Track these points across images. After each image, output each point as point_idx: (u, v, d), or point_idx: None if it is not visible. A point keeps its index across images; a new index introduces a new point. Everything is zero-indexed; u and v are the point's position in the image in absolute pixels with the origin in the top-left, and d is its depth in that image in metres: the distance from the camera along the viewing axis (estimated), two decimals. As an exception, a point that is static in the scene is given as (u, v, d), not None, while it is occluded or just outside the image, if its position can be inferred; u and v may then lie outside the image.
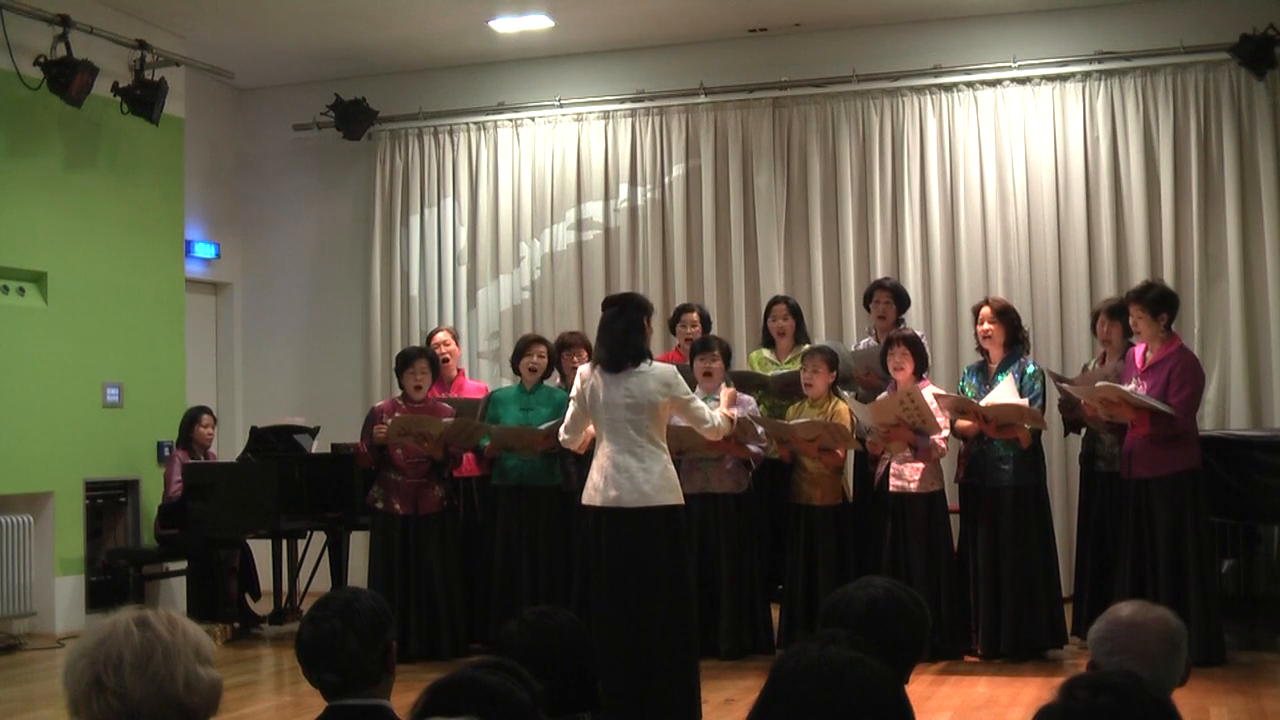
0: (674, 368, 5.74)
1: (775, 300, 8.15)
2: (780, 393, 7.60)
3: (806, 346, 7.74)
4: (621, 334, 5.59)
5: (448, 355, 8.29)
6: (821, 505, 7.29)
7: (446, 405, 7.75)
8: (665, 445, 5.62)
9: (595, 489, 5.57)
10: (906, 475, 7.12)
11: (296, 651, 2.88)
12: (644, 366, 5.57)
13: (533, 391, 7.73)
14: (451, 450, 7.61)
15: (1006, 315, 7.24)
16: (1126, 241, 9.17)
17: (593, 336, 7.83)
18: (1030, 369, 7.17)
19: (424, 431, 7.43)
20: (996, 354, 7.22)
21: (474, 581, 7.75)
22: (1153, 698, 2.02)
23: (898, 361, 7.17)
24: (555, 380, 7.93)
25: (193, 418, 8.95)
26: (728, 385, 7.00)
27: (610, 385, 5.54)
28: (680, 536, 5.63)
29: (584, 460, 7.46)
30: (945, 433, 7.09)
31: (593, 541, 5.67)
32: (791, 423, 7.19)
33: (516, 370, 7.82)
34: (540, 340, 7.91)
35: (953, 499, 7.51)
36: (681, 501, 5.62)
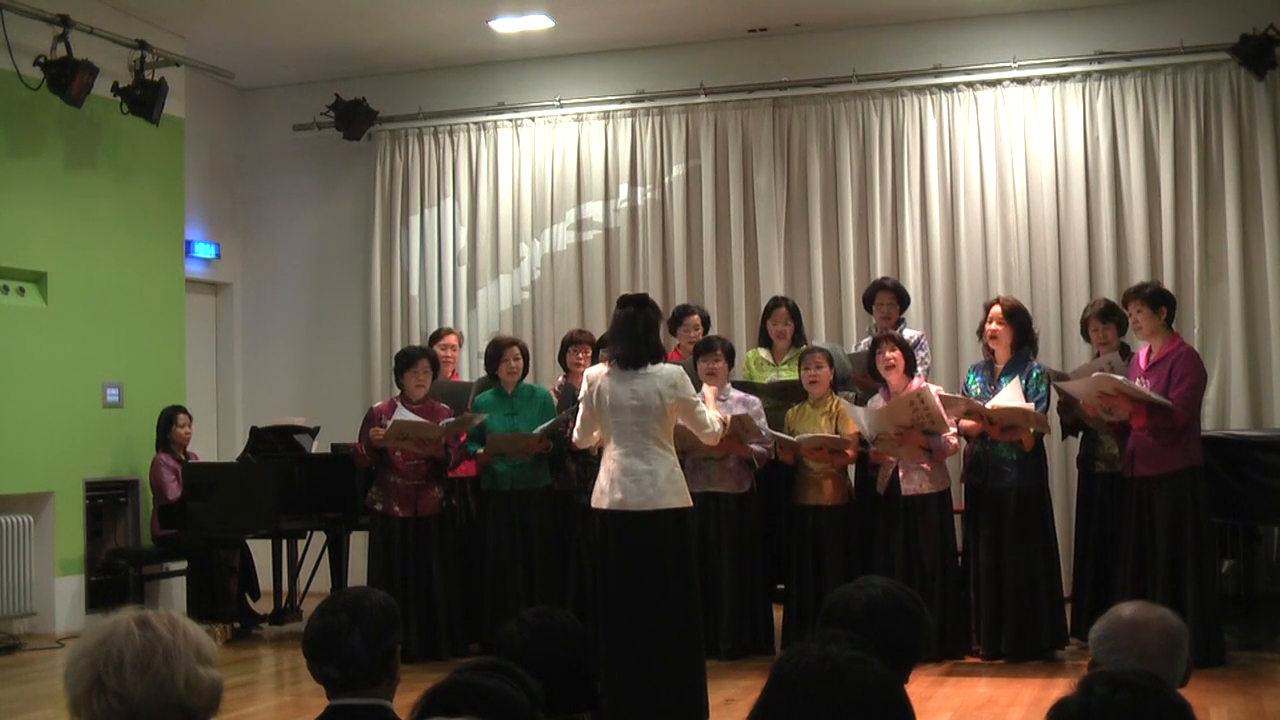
0: (680, 368, 5.72)
1: (775, 302, 8.10)
2: (775, 396, 7.60)
3: (804, 347, 7.73)
4: (642, 332, 5.58)
5: (449, 357, 8.31)
6: (827, 505, 7.28)
7: (444, 406, 7.75)
8: (672, 447, 5.61)
9: (602, 492, 5.57)
10: (917, 480, 7.11)
11: (302, 643, 2.91)
12: (652, 367, 5.56)
13: (514, 395, 7.73)
14: (449, 444, 7.61)
15: (1016, 317, 7.17)
16: (1126, 241, 9.16)
17: (595, 336, 7.88)
18: (1036, 371, 7.14)
19: (423, 437, 7.44)
20: (1003, 354, 7.17)
21: (472, 582, 7.75)
22: (1170, 699, 2.01)
23: (889, 360, 7.15)
24: (562, 377, 7.92)
25: (169, 418, 8.91)
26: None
27: (618, 387, 5.53)
28: (686, 539, 5.62)
29: (586, 459, 7.49)
30: (954, 430, 7.08)
31: (599, 545, 5.67)
32: (796, 438, 7.18)
33: (494, 376, 7.81)
34: (514, 341, 7.91)
35: (957, 499, 7.50)
36: (688, 504, 5.61)
